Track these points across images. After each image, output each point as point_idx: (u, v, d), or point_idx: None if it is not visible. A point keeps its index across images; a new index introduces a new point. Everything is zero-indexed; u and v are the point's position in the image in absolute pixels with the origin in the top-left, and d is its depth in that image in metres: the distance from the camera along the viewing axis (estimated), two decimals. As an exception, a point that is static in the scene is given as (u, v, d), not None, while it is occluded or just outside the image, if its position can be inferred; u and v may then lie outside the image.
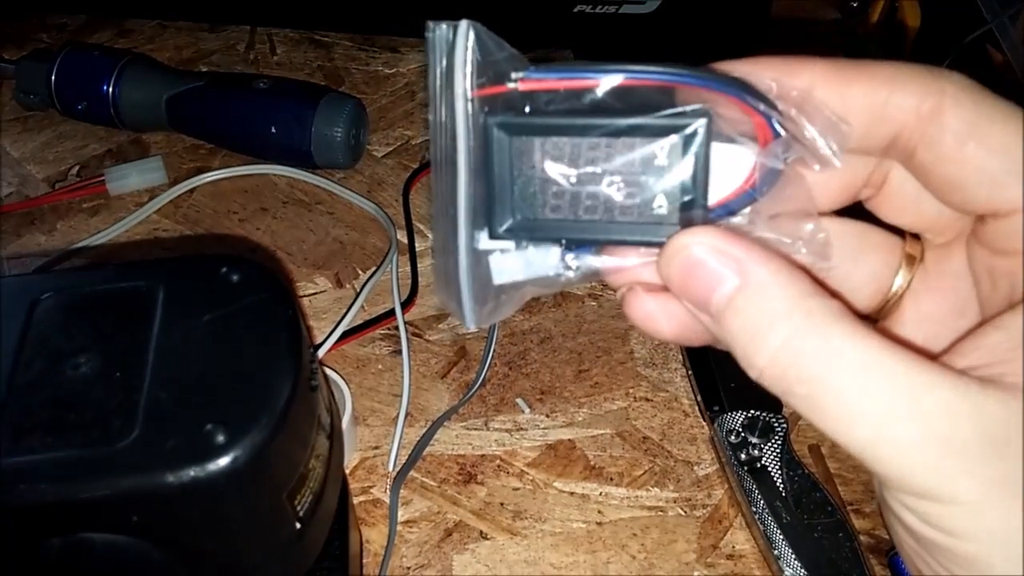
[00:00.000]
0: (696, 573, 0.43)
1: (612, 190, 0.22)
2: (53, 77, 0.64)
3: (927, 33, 0.74)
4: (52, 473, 0.26)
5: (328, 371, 0.48)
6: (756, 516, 0.43)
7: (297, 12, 0.76)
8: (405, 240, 0.59)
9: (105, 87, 0.63)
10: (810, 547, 0.42)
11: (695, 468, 0.47)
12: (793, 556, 0.41)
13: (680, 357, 0.53)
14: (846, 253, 0.25)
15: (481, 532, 0.44)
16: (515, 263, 0.23)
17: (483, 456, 0.48)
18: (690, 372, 0.51)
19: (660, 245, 0.22)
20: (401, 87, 0.72)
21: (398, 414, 0.49)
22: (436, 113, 0.22)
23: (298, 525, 0.31)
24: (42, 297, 0.31)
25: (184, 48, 0.75)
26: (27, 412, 0.28)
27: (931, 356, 0.20)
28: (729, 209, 0.22)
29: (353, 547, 0.40)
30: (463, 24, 0.21)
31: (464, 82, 0.21)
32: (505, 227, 0.23)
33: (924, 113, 0.21)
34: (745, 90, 0.21)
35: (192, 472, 0.26)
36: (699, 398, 0.50)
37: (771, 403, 0.48)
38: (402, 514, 0.45)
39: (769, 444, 0.46)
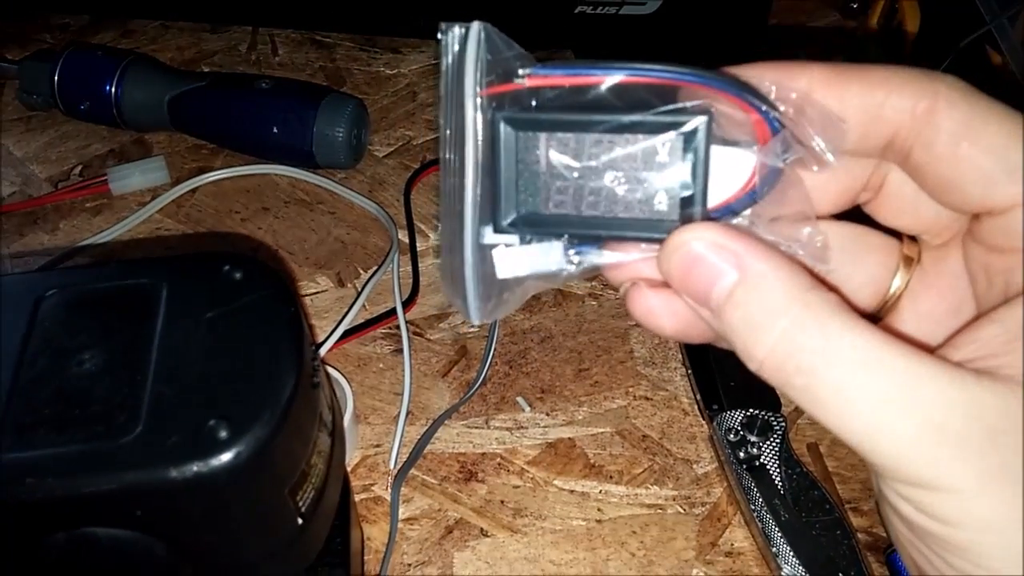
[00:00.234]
0: (695, 570, 0.43)
1: (614, 186, 0.23)
2: (56, 77, 0.64)
3: (926, 34, 0.75)
4: (56, 468, 0.27)
5: (330, 369, 0.48)
6: (755, 514, 0.43)
7: (299, 13, 0.76)
8: (406, 240, 0.59)
9: (108, 87, 0.63)
10: (808, 545, 0.42)
11: (694, 466, 0.48)
12: (791, 553, 0.42)
13: (679, 356, 0.53)
14: (844, 255, 0.26)
15: (482, 529, 0.45)
16: (519, 258, 0.24)
17: (484, 454, 0.48)
18: (689, 371, 0.51)
19: (661, 241, 0.22)
20: (402, 87, 0.72)
21: (399, 412, 0.49)
22: (447, 110, 0.22)
23: (300, 521, 0.31)
24: (46, 294, 0.31)
25: (186, 48, 0.75)
26: (32, 408, 0.28)
27: (928, 350, 0.21)
28: (730, 210, 0.23)
29: (354, 544, 0.41)
30: (475, 25, 0.21)
31: (474, 80, 0.21)
32: (509, 221, 0.23)
33: (919, 114, 0.22)
34: (744, 89, 0.22)
35: (195, 467, 0.27)
36: (698, 397, 0.50)
37: (770, 402, 0.48)
38: (403, 511, 0.45)
39: (768, 443, 0.46)
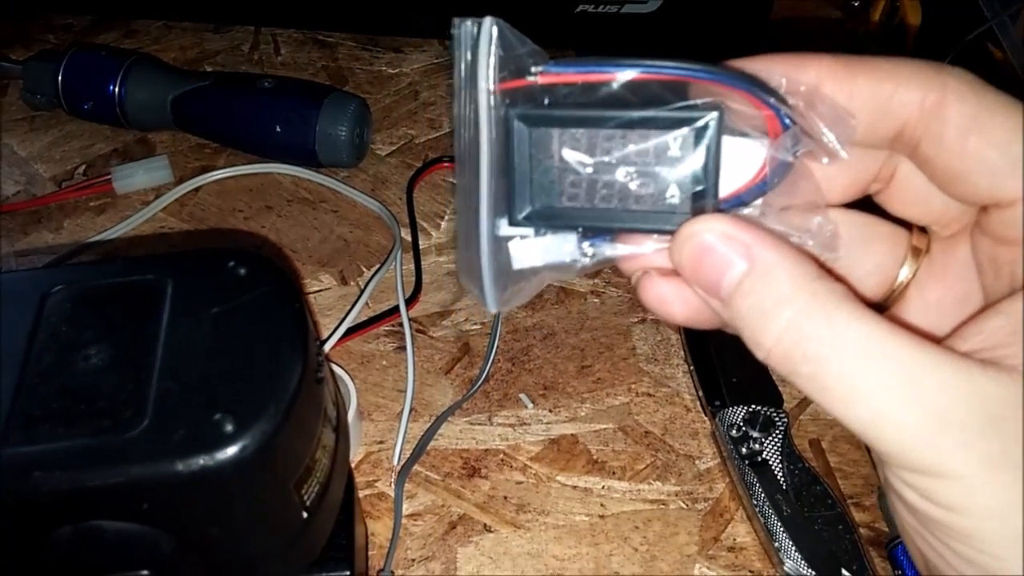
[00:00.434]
0: (697, 565, 0.44)
1: (627, 180, 0.23)
2: (60, 77, 0.64)
3: (928, 32, 0.75)
4: (63, 462, 0.27)
5: (333, 367, 0.49)
6: (757, 509, 0.43)
7: (301, 13, 0.76)
8: (409, 238, 0.59)
9: (111, 87, 0.63)
10: (810, 540, 0.42)
11: (696, 462, 0.48)
12: (794, 548, 0.42)
13: (682, 353, 0.53)
14: (852, 244, 0.26)
15: (485, 525, 0.45)
16: (534, 249, 0.24)
17: (487, 450, 0.48)
18: (692, 368, 0.52)
19: (673, 233, 0.23)
20: (404, 87, 0.73)
21: (402, 409, 0.49)
22: (461, 105, 0.23)
23: (305, 515, 0.32)
24: (52, 290, 0.32)
25: (189, 48, 0.76)
26: (39, 403, 0.28)
27: (934, 340, 0.21)
28: (740, 201, 0.23)
29: (359, 540, 0.41)
30: (487, 21, 0.22)
31: (488, 76, 0.22)
32: (524, 215, 0.24)
33: (928, 107, 0.22)
34: (755, 85, 0.22)
35: (201, 460, 0.27)
36: (700, 393, 0.50)
37: (772, 398, 0.48)
38: (407, 507, 0.45)
39: (770, 438, 0.46)
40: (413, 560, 0.44)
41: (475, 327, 0.54)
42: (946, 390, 0.20)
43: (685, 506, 0.46)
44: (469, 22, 0.22)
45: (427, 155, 0.66)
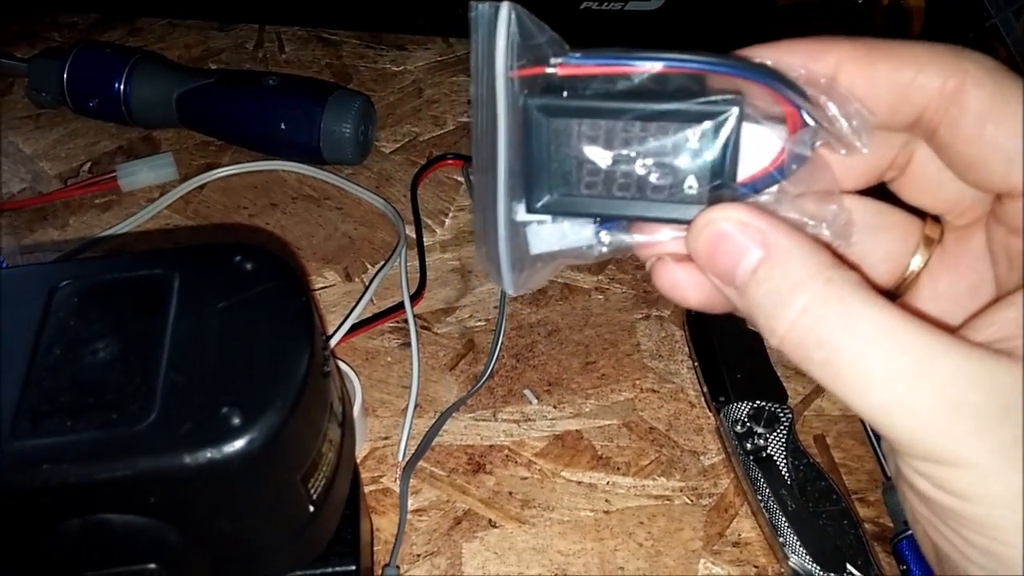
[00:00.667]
0: (702, 560, 0.44)
1: (645, 170, 0.23)
2: (65, 75, 0.64)
3: (931, 29, 0.75)
4: (71, 455, 0.27)
5: (339, 363, 0.49)
6: (762, 504, 0.43)
7: (305, 11, 0.76)
8: (413, 235, 0.59)
9: (116, 85, 0.63)
10: (815, 535, 0.42)
11: (701, 458, 0.48)
12: (798, 543, 0.42)
13: (686, 349, 0.53)
14: (865, 231, 0.26)
15: (490, 520, 0.45)
16: (551, 235, 0.24)
17: (491, 446, 0.48)
18: (696, 363, 0.52)
19: (689, 223, 0.23)
20: (408, 84, 0.73)
21: (407, 405, 0.49)
22: (478, 89, 0.23)
23: (311, 508, 0.32)
24: (60, 285, 0.32)
25: (194, 46, 0.76)
26: (47, 396, 0.28)
27: (948, 330, 0.21)
28: (755, 187, 0.23)
29: (364, 535, 0.41)
30: (504, 6, 0.22)
31: (505, 62, 0.22)
32: (542, 203, 0.24)
33: (947, 92, 0.22)
34: (777, 79, 0.22)
35: (208, 453, 0.27)
36: (705, 389, 0.50)
37: (776, 394, 0.48)
38: (412, 503, 0.46)
39: (774, 434, 0.46)
40: (418, 555, 0.44)
41: (479, 323, 0.54)
42: (960, 377, 0.20)
43: (690, 502, 0.46)
44: (486, 5, 0.22)
45: (431, 152, 0.66)
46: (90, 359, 0.30)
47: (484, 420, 0.49)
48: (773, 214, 0.22)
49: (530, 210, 0.24)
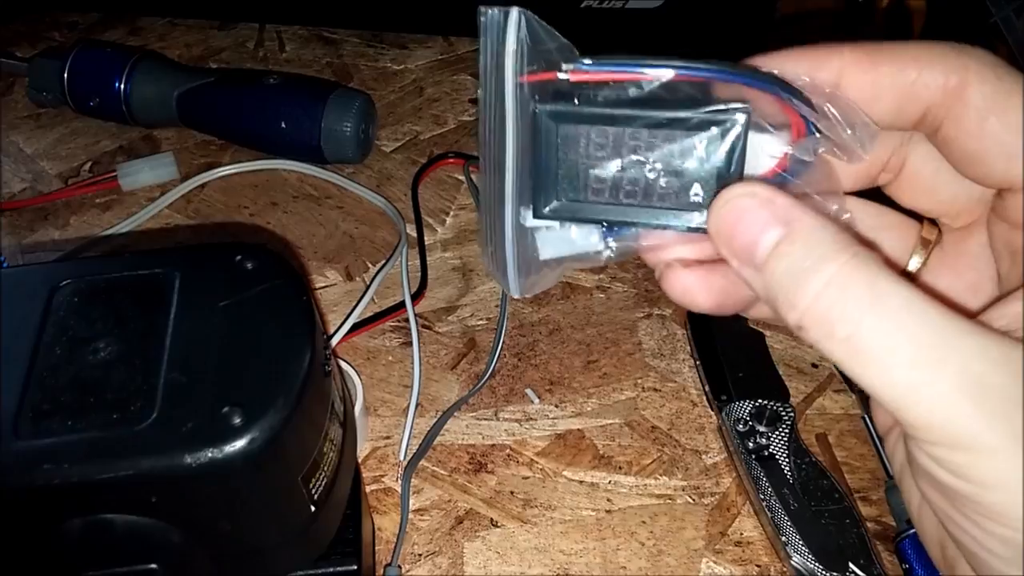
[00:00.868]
0: (704, 560, 0.44)
1: (652, 177, 0.23)
2: (65, 74, 0.64)
3: (932, 27, 0.75)
4: (73, 455, 0.27)
5: (340, 362, 0.49)
6: (764, 503, 0.43)
7: (306, 9, 0.76)
8: (414, 234, 0.59)
9: (117, 84, 0.63)
10: (817, 534, 0.42)
11: (703, 457, 0.48)
12: (801, 542, 0.42)
13: (688, 348, 0.53)
14: (863, 231, 0.26)
15: (492, 520, 0.45)
16: (559, 240, 0.25)
17: (493, 446, 0.48)
18: (698, 362, 0.51)
19: (696, 230, 0.23)
20: (409, 83, 0.73)
21: (409, 404, 0.49)
22: (486, 93, 0.23)
23: (313, 508, 0.32)
24: (61, 284, 0.32)
25: (194, 45, 0.76)
26: (48, 396, 0.28)
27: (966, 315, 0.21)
28: None
29: (366, 534, 0.41)
30: (514, 11, 0.22)
31: (514, 67, 0.22)
32: (549, 208, 0.24)
33: (950, 89, 0.22)
34: (785, 88, 0.22)
35: (210, 453, 0.27)
36: (707, 388, 0.50)
37: (778, 392, 0.48)
38: (413, 502, 0.45)
39: (777, 433, 0.46)
40: (420, 555, 0.44)
41: (481, 322, 0.54)
42: (984, 356, 0.19)
43: (692, 501, 0.46)
44: (495, 10, 0.22)
45: (432, 151, 0.66)
46: (91, 359, 0.30)
47: (486, 419, 0.49)
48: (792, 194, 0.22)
49: (537, 215, 0.24)
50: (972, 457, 0.20)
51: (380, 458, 0.48)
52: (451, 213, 0.62)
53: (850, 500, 0.44)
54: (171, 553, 0.29)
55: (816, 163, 0.23)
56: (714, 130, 0.22)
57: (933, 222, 0.26)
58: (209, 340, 0.30)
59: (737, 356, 0.50)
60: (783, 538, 0.42)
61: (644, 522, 0.45)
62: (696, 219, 0.23)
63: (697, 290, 0.25)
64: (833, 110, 0.23)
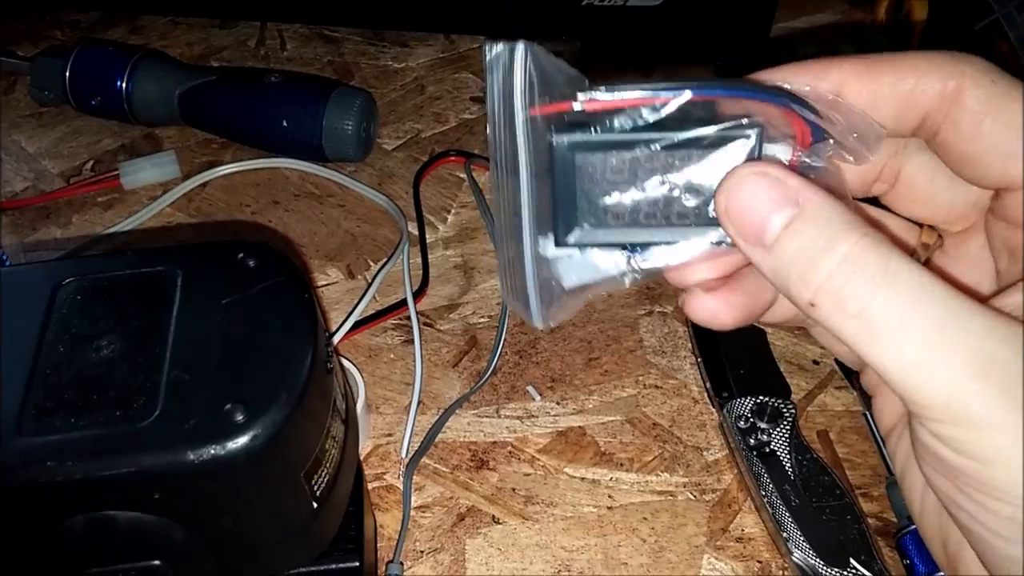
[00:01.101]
0: (706, 556, 0.44)
1: (671, 196, 0.24)
2: (67, 73, 0.64)
3: (934, 24, 0.75)
4: (76, 451, 0.27)
5: (342, 360, 0.49)
6: (765, 500, 0.43)
7: (307, 8, 0.76)
8: (416, 232, 0.59)
9: (118, 83, 0.63)
10: (819, 530, 0.42)
11: (704, 453, 0.48)
12: (802, 538, 0.42)
13: (689, 345, 0.53)
14: None
15: (493, 517, 0.45)
16: (582, 267, 0.25)
17: (495, 443, 0.48)
18: (699, 359, 0.52)
19: (717, 243, 0.24)
20: (410, 81, 0.73)
21: (410, 402, 0.49)
22: (496, 130, 0.23)
23: (315, 505, 0.32)
24: (64, 282, 0.32)
25: (195, 44, 0.76)
26: (51, 393, 0.29)
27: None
28: None
29: (368, 531, 0.41)
30: (520, 46, 0.22)
31: (523, 103, 0.22)
32: (572, 237, 0.24)
33: (948, 94, 0.23)
34: (795, 100, 0.23)
35: (212, 450, 0.27)
36: (708, 385, 0.50)
37: (779, 389, 0.48)
38: (415, 499, 0.46)
39: (778, 429, 0.46)
40: (422, 552, 0.44)
41: (482, 320, 0.54)
42: (993, 334, 0.20)
43: (693, 497, 0.46)
44: (501, 46, 0.22)
45: (433, 149, 0.66)
46: (94, 356, 0.30)
47: (487, 417, 0.49)
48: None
49: (560, 244, 0.24)
50: (976, 433, 0.20)
51: (382, 455, 0.48)
52: (452, 211, 0.62)
53: (851, 496, 0.44)
54: (173, 550, 0.29)
55: (825, 168, 0.24)
56: (730, 145, 0.23)
57: (931, 228, 0.27)
58: (211, 337, 0.30)
59: (738, 353, 0.50)
60: (784, 534, 0.42)
61: (645, 518, 0.45)
62: (717, 234, 0.24)
63: (720, 311, 0.25)
64: (839, 116, 0.23)
